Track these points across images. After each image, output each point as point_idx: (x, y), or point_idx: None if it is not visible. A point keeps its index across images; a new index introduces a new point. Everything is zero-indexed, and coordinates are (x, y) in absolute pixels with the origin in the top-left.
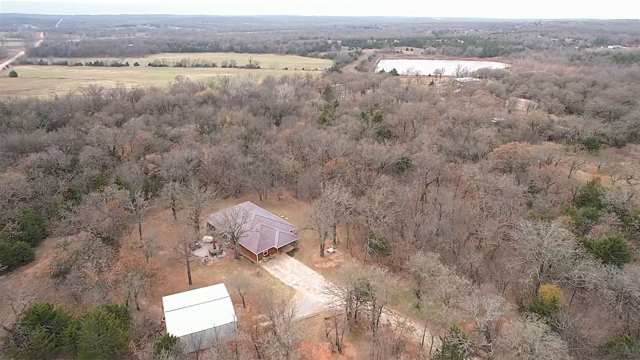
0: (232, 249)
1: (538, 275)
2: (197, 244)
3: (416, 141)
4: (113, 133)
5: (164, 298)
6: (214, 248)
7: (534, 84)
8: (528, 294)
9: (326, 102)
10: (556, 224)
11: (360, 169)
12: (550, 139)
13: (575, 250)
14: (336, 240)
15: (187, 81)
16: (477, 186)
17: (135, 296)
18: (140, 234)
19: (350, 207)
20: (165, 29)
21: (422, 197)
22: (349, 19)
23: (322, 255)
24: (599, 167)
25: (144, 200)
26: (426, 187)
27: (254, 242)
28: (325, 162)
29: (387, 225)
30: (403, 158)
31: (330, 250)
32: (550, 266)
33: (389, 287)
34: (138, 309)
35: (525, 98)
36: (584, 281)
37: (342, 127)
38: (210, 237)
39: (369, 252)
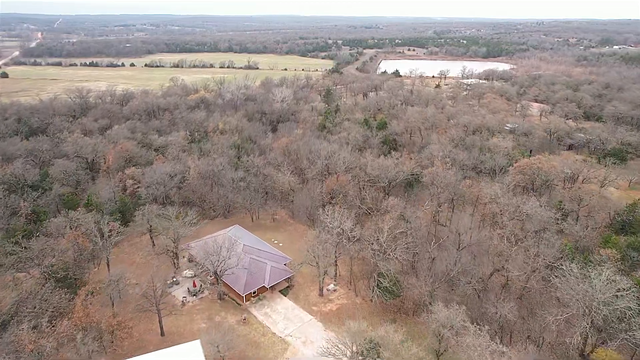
0: (215, 285)
1: (588, 333)
2: (174, 279)
3: (426, 153)
4: (92, 143)
5: None
6: (194, 286)
7: (545, 87)
8: (574, 355)
9: (326, 105)
10: (610, 269)
11: (364, 186)
12: (570, 148)
13: None
14: (337, 274)
15: (182, 83)
16: (501, 211)
17: (90, 357)
18: (109, 269)
19: (355, 238)
20: (165, 29)
21: (434, 218)
22: (350, 18)
23: (320, 294)
24: (630, 183)
25: (119, 225)
26: (439, 207)
27: (240, 281)
28: (325, 178)
29: (398, 260)
30: (413, 174)
31: (331, 287)
32: (605, 323)
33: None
34: None
35: (537, 102)
36: None
37: (344, 136)
38: (191, 272)
39: (377, 295)
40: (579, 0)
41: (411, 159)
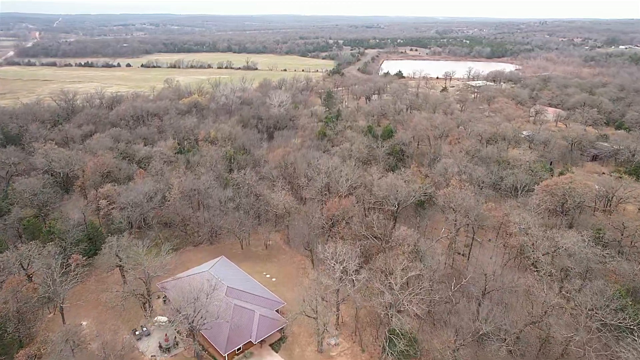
0: (192, 337)
1: None
2: (144, 329)
3: (439, 167)
4: (67, 155)
5: None
6: (166, 341)
7: (558, 90)
8: None
9: (327, 109)
10: None
11: (370, 209)
12: (594, 158)
13: None
14: (340, 322)
15: (176, 84)
16: (533, 244)
17: None
18: (63, 320)
19: (360, 281)
20: (164, 29)
21: (451, 246)
22: (351, 18)
23: (319, 350)
24: None
25: (83, 258)
26: (457, 232)
27: (221, 335)
28: (325, 198)
29: (415, 312)
30: (426, 194)
31: (332, 341)
32: None
33: None
34: None
35: (551, 106)
36: None
37: (347, 147)
38: (165, 318)
39: (389, 354)
40: (580, 0)
41: (420, 172)
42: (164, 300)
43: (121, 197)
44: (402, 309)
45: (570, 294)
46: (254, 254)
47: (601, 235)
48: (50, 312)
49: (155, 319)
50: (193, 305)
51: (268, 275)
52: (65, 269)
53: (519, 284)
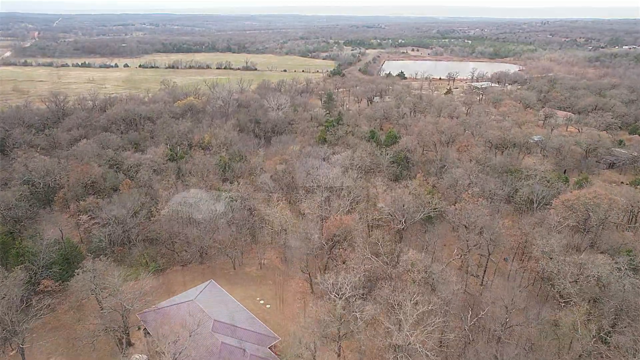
0: None
1: None
2: None
3: (448, 178)
4: (48, 164)
5: None
6: None
7: (567, 92)
8: None
9: (327, 112)
10: None
11: (374, 226)
12: (611, 166)
13: None
14: (342, 359)
15: (173, 85)
16: (559, 272)
17: None
18: None
19: (364, 317)
20: (164, 28)
21: (462, 266)
22: (351, 18)
23: None
24: None
25: (56, 284)
26: (469, 251)
27: None
28: (326, 214)
29: (429, 357)
30: (436, 209)
31: None
32: None
33: None
34: None
35: (560, 109)
36: None
37: (348, 155)
38: (144, 357)
39: None
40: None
41: (428, 182)
42: (145, 333)
43: (103, 211)
44: (413, 351)
45: (609, 335)
46: (247, 275)
47: (632, 257)
48: (13, 350)
49: (132, 358)
50: (173, 347)
51: (262, 302)
52: (27, 303)
53: (544, 318)
